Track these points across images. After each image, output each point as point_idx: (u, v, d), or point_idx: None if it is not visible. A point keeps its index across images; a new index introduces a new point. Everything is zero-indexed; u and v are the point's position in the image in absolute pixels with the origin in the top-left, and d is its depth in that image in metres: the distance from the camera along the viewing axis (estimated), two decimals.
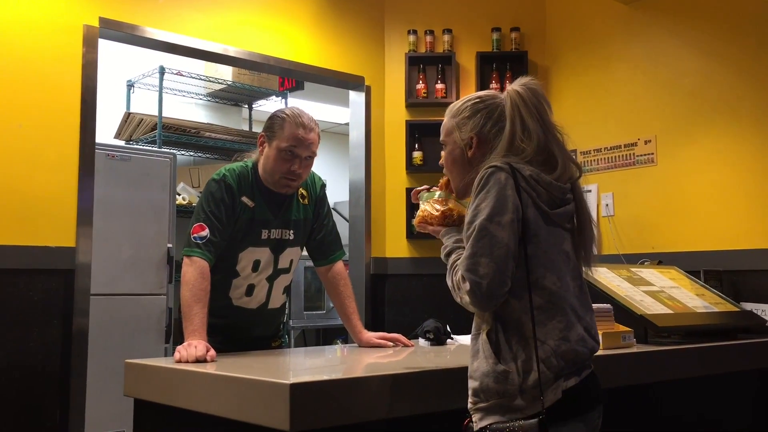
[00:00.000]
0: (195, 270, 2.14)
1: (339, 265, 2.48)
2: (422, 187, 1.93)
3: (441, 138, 1.77)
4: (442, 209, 1.76)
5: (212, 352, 1.98)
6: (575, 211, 1.63)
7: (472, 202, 1.56)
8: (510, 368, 1.50)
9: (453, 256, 1.61)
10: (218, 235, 2.21)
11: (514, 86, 1.64)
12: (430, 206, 1.78)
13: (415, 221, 1.83)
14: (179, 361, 1.93)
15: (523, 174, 1.55)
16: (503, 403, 1.50)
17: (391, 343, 2.37)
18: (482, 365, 1.53)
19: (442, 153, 1.77)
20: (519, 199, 1.53)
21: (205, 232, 2.19)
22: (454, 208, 1.76)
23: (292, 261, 2.39)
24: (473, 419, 1.55)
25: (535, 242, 1.54)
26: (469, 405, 1.57)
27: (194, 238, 2.19)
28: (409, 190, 4.36)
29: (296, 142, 2.22)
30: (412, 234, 4.37)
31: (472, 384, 1.56)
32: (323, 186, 2.49)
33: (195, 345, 1.98)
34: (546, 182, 1.58)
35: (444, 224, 1.75)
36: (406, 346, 2.36)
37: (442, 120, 1.77)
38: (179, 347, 2.00)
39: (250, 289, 2.33)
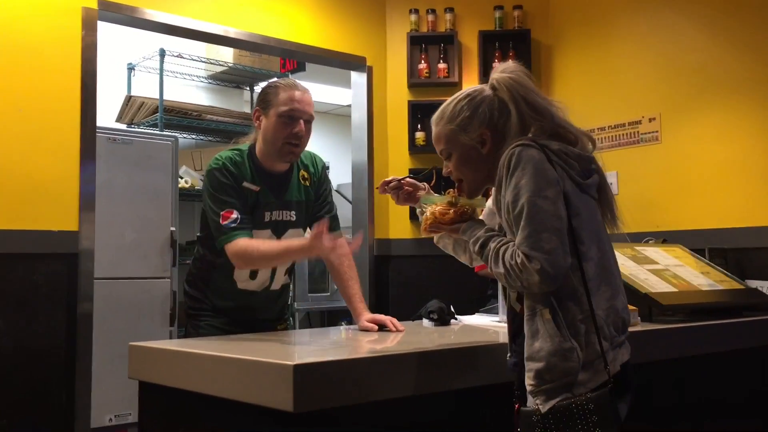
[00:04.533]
0: (239, 247, 2.14)
1: (344, 248, 2.46)
2: (392, 178, 1.93)
3: (440, 148, 1.70)
4: (453, 208, 1.70)
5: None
6: (599, 181, 1.63)
7: (508, 183, 1.51)
8: (573, 344, 1.47)
9: (493, 244, 1.55)
10: (244, 211, 2.21)
11: (501, 73, 1.61)
12: (438, 208, 1.72)
13: (424, 226, 1.75)
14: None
15: (552, 148, 1.53)
16: (568, 381, 1.46)
17: (376, 327, 2.26)
18: (546, 345, 1.48)
19: (446, 164, 1.72)
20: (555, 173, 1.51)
21: (235, 215, 2.18)
22: (465, 205, 1.71)
23: None
24: (536, 402, 1.49)
25: (578, 213, 1.52)
26: (530, 388, 1.51)
27: (227, 224, 2.17)
28: (412, 171, 4.35)
29: (294, 104, 2.24)
30: (415, 215, 4.37)
31: (534, 366, 1.49)
32: (324, 167, 2.48)
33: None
34: (575, 154, 1.57)
35: (462, 220, 1.69)
36: (397, 330, 2.25)
37: (445, 100, 1.72)
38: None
39: (253, 273, 2.32)
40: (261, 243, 2.17)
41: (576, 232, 1.51)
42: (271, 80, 2.38)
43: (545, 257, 1.44)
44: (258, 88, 5.94)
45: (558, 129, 1.59)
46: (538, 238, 1.45)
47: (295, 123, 2.24)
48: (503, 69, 1.63)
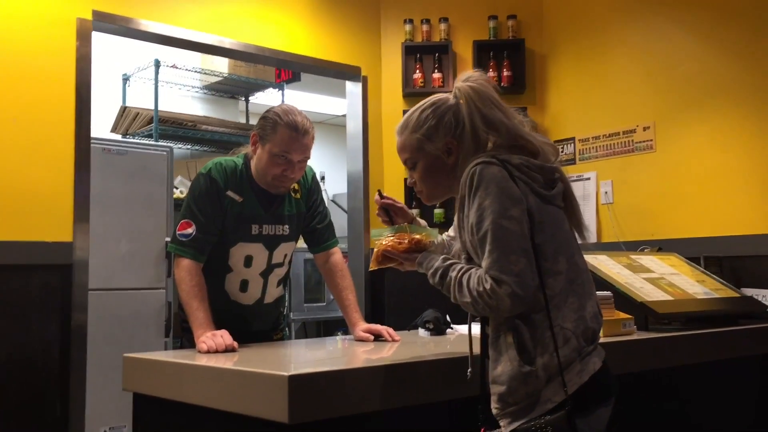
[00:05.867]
0: (181, 270, 2.16)
1: (336, 256, 2.46)
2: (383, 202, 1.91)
3: (405, 157, 1.70)
4: (408, 239, 1.71)
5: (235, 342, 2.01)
6: (564, 189, 1.61)
7: (471, 202, 1.51)
8: (537, 365, 1.46)
9: (453, 273, 1.54)
10: (205, 232, 2.19)
11: (463, 82, 1.60)
12: (391, 240, 1.72)
13: (374, 258, 1.74)
14: (207, 352, 1.95)
15: (513, 163, 1.52)
16: (531, 401, 1.46)
17: (372, 337, 2.27)
18: (507, 368, 1.48)
19: (410, 174, 1.71)
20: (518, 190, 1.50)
21: (191, 230, 2.17)
22: (418, 237, 1.71)
23: (286, 255, 2.37)
24: (501, 424, 1.50)
25: (542, 229, 1.51)
26: (495, 411, 1.51)
27: (180, 235, 2.18)
28: (407, 181, 4.34)
29: (289, 148, 2.16)
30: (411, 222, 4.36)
31: (497, 389, 1.50)
32: (314, 176, 2.45)
33: (220, 335, 2.00)
34: (537, 166, 1.55)
35: (417, 250, 1.69)
36: (393, 339, 2.25)
37: None
38: (203, 338, 2.00)
39: (244, 285, 2.31)
40: (188, 286, 2.13)
41: (540, 249, 1.50)
42: (273, 109, 2.24)
43: (515, 280, 1.43)
44: (253, 98, 5.95)
45: (517, 141, 1.57)
46: (507, 261, 1.44)
47: (287, 165, 2.18)
48: (466, 78, 1.61)
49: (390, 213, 1.93)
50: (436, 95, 1.70)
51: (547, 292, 1.49)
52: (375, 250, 1.75)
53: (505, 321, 1.50)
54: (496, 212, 1.46)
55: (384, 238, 1.74)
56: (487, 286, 1.45)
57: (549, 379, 1.45)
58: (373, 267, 1.77)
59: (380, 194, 1.94)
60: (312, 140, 2.23)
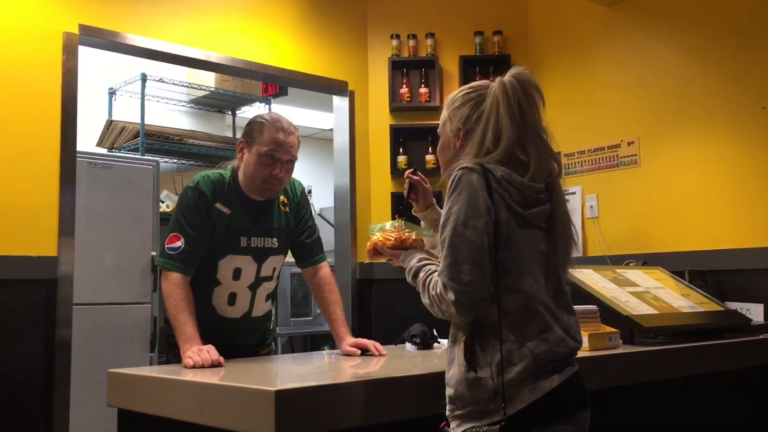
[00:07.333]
0: (170, 283, 2.16)
1: (324, 271, 2.46)
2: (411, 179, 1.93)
3: (438, 129, 1.75)
4: (395, 236, 1.77)
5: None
6: (551, 211, 1.60)
7: (445, 205, 1.55)
8: (484, 374, 1.48)
9: (422, 275, 1.59)
10: (193, 245, 2.19)
11: (506, 76, 1.61)
12: (382, 235, 1.79)
13: (367, 251, 1.83)
14: (193, 367, 1.94)
15: (495, 175, 1.54)
16: (479, 408, 1.48)
17: (358, 351, 2.28)
18: (456, 372, 1.53)
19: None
20: (491, 201, 1.51)
21: (180, 243, 2.17)
22: (408, 234, 1.76)
23: (275, 269, 2.37)
24: (451, 425, 1.54)
25: (508, 245, 1.52)
26: (447, 412, 1.56)
27: (168, 249, 2.18)
28: (394, 195, 4.36)
29: (276, 146, 2.21)
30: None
31: (448, 391, 1.55)
32: (303, 191, 2.47)
33: (207, 350, 2.00)
34: (518, 183, 1.55)
35: (402, 247, 1.75)
36: (380, 354, 2.25)
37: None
38: (189, 353, 2.00)
39: (232, 298, 2.30)
40: (176, 300, 2.12)
41: (503, 264, 1.51)
42: (259, 114, 2.31)
43: (461, 289, 1.46)
44: (240, 113, 5.95)
45: (513, 154, 1.58)
46: (458, 269, 1.47)
47: (275, 164, 2.22)
48: (513, 72, 1.62)
49: (412, 191, 1.97)
50: (482, 81, 1.72)
51: (502, 307, 1.50)
52: (368, 243, 1.82)
53: (463, 326, 1.54)
54: (460, 220, 1.49)
55: (377, 232, 1.81)
56: (438, 291, 1.50)
57: (497, 392, 1.47)
58: (367, 260, 1.86)
59: (415, 170, 1.97)
60: (298, 141, 2.27)
